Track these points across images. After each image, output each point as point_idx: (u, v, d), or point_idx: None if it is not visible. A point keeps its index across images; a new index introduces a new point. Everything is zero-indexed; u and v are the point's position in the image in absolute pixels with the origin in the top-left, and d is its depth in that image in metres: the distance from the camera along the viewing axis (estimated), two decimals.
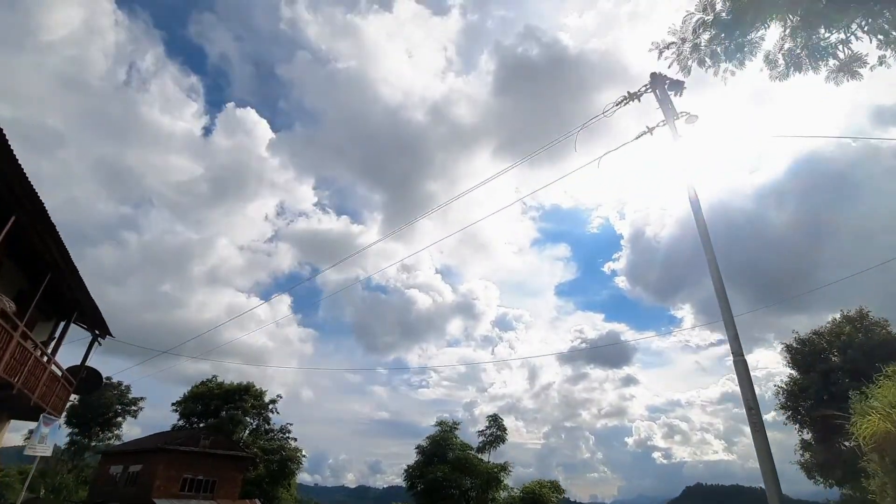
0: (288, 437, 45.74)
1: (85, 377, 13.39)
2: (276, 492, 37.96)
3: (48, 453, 11.74)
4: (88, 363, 13.56)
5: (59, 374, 12.19)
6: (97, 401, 44.37)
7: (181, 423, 43.29)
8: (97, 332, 13.82)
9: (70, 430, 44.89)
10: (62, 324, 13.31)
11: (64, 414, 11.94)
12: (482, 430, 35.59)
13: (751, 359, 6.04)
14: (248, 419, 44.57)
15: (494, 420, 35.90)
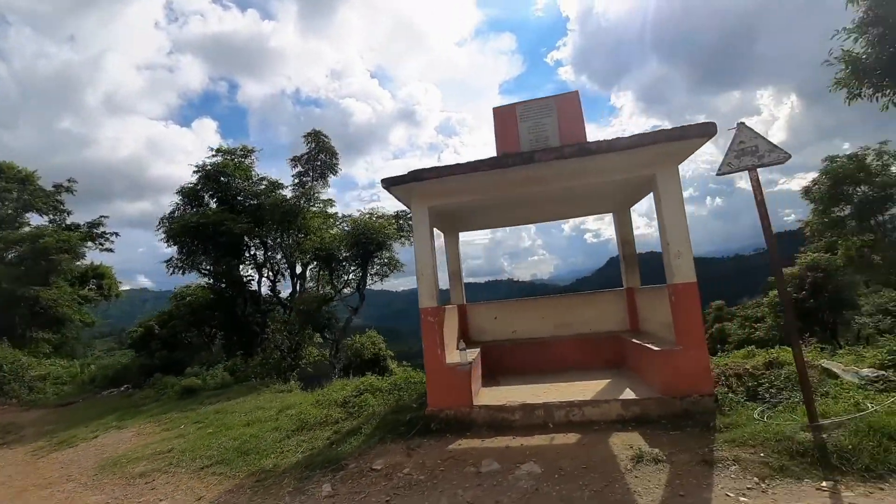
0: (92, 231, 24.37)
1: None
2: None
3: None
4: None
5: None
6: None
7: None
8: None
9: None
10: None
11: None
12: (297, 156, 18.02)
13: None
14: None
15: (316, 139, 17.87)
